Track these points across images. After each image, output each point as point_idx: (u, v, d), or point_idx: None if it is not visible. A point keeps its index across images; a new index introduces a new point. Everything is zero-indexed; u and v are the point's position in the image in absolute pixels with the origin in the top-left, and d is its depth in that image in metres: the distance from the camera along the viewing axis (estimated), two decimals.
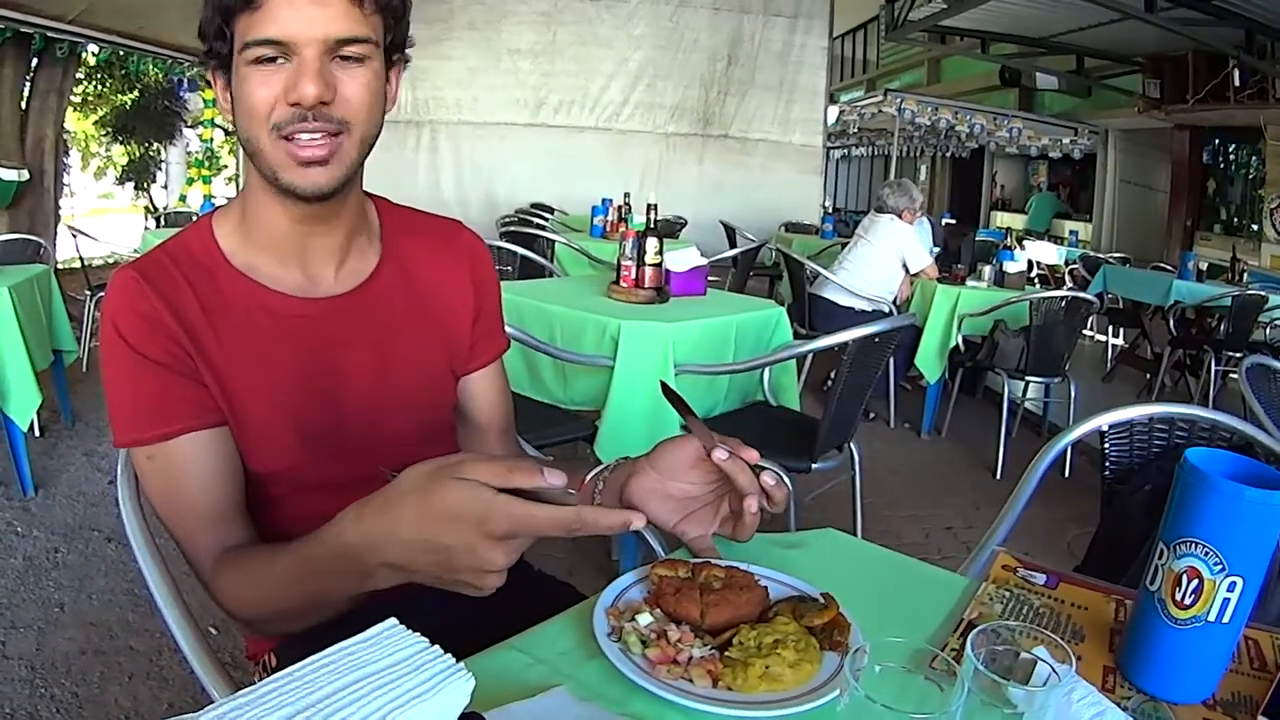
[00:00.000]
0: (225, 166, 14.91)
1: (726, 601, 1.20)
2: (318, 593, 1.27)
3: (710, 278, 4.75)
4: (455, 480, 1.08)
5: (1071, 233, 16.67)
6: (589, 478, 1.44)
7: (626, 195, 8.27)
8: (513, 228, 8.25)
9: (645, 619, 1.18)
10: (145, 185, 18.46)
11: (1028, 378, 6.16)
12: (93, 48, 10.16)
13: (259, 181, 1.43)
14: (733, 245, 9.84)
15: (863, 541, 1.64)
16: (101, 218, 18.96)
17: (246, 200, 1.51)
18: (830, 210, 13.07)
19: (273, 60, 1.31)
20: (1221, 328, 7.68)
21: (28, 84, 9.89)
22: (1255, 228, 13.96)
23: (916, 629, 1.28)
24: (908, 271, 6.85)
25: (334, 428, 1.54)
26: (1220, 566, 1.10)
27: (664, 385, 1.47)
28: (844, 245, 7.72)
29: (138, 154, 17.91)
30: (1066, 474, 5.31)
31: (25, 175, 9.48)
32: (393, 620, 1.01)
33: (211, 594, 1.42)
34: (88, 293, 7.41)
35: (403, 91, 1.53)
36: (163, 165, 18.89)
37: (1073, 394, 6.20)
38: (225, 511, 1.45)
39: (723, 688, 1.08)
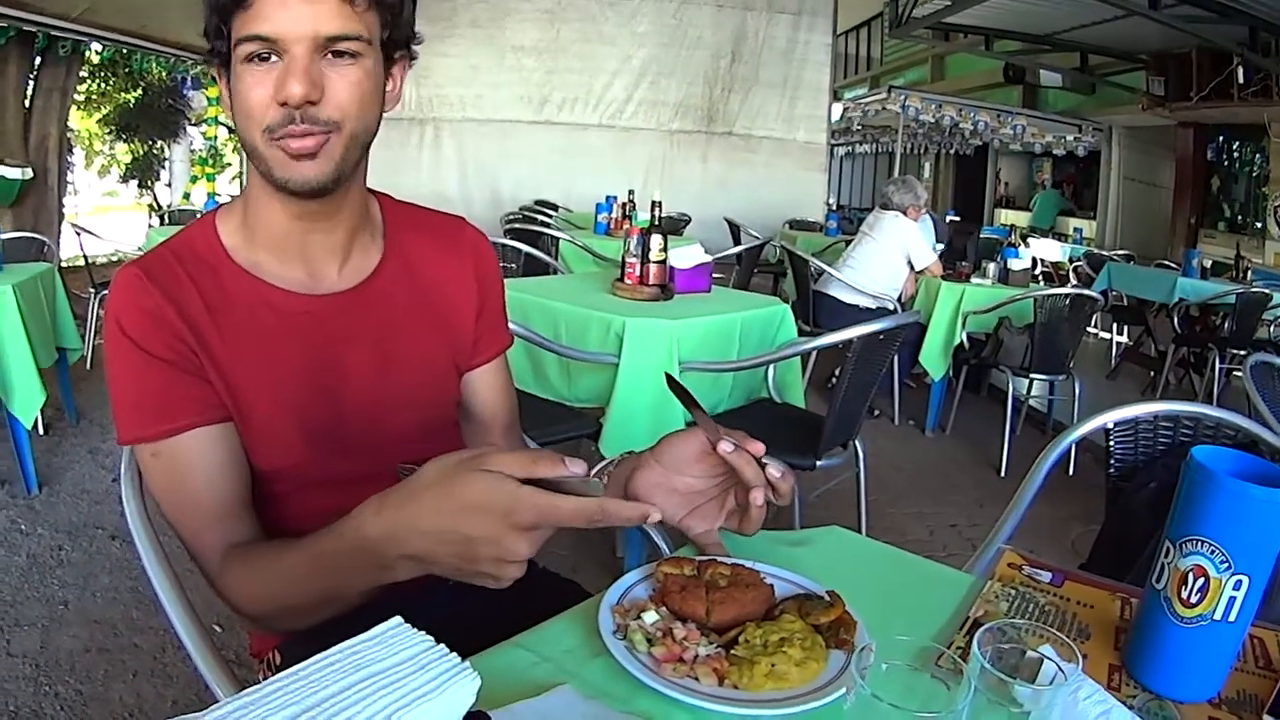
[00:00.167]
0: (229, 164, 14.87)
1: (732, 599, 1.19)
2: (332, 587, 1.27)
3: (714, 275, 4.75)
4: (479, 472, 1.09)
5: (1076, 230, 16.66)
6: (593, 473, 1.44)
7: (631, 192, 8.28)
8: (517, 225, 8.25)
9: (651, 617, 1.17)
10: (149, 183, 18.45)
11: (1032, 375, 6.15)
12: (96, 46, 10.16)
13: (259, 179, 1.43)
14: (737, 242, 9.83)
15: (868, 539, 1.63)
16: (105, 216, 18.96)
17: (249, 198, 1.51)
18: (834, 207, 13.04)
19: (265, 58, 1.32)
20: (1225, 325, 7.68)
21: (31, 82, 9.90)
22: (1259, 225, 13.94)
23: (922, 627, 1.28)
24: (912, 268, 6.85)
25: (337, 424, 1.54)
26: (1226, 565, 1.10)
27: (669, 378, 1.46)
28: (848, 242, 7.73)
29: (141, 152, 17.89)
30: (1071, 472, 5.31)
31: (29, 174, 9.49)
32: (398, 619, 1.01)
33: (218, 591, 1.42)
34: (92, 290, 7.42)
35: (406, 89, 1.53)
36: (166, 163, 18.88)
37: (1077, 391, 6.20)
38: (231, 508, 1.45)
39: (728, 686, 1.08)
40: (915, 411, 6.94)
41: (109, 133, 17.79)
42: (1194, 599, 1.12)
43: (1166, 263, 10.63)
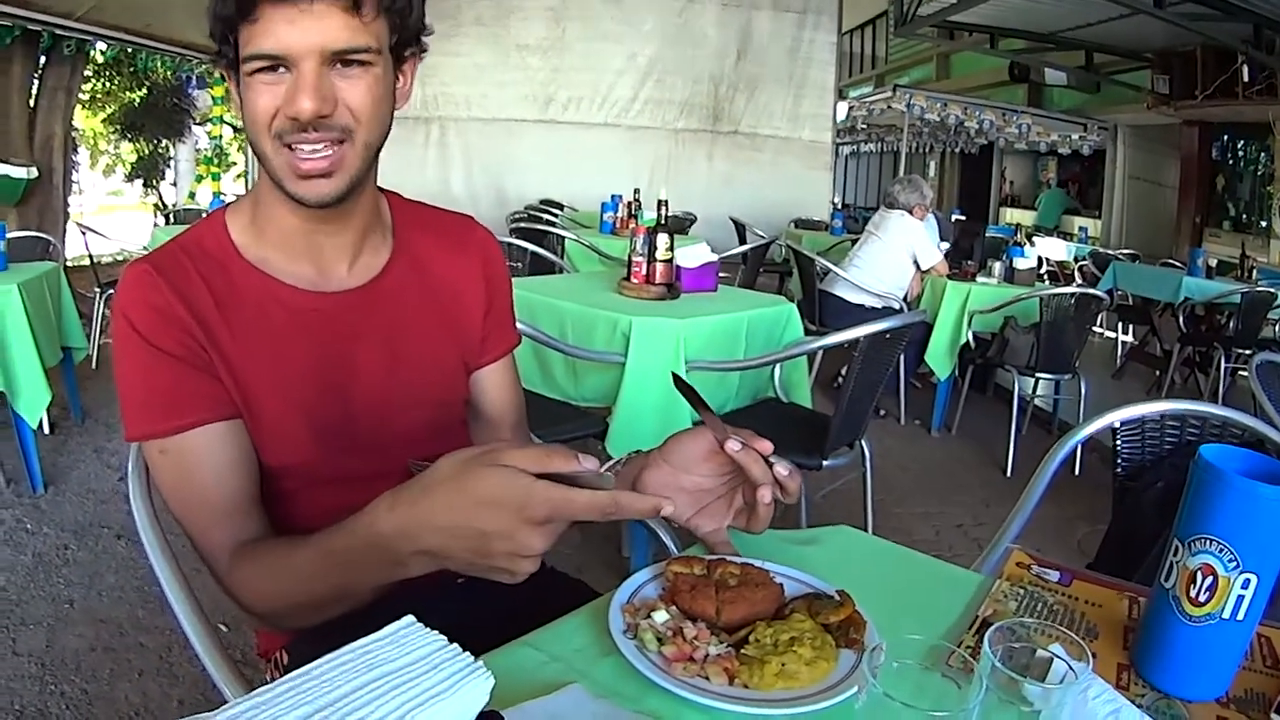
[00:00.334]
0: (234, 163, 14.91)
1: (742, 598, 1.20)
2: (344, 584, 1.28)
3: (720, 274, 4.75)
4: (493, 467, 1.10)
5: (1081, 229, 16.68)
6: (601, 471, 1.45)
7: (636, 191, 8.26)
8: (523, 224, 8.26)
9: (661, 616, 1.18)
10: (154, 182, 18.49)
11: (1038, 374, 6.14)
12: (101, 45, 10.16)
13: (269, 181, 1.43)
14: (742, 241, 9.82)
15: (877, 538, 1.64)
16: (110, 215, 19.01)
17: (259, 196, 1.52)
18: (840, 206, 13.04)
19: (274, 70, 1.31)
20: (1231, 325, 7.67)
21: (36, 82, 9.91)
22: (1264, 224, 13.93)
23: (932, 626, 1.28)
24: (918, 268, 6.85)
25: (346, 422, 1.54)
26: (1235, 563, 1.10)
27: (676, 377, 1.47)
28: (854, 241, 7.73)
29: (146, 151, 17.94)
30: (1077, 471, 5.30)
31: (34, 173, 9.51)
32: (410, 618, 1.01)
33: (226, 589, 1.42)
34: (97, 290, 7.45)
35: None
36: (171, 162, 18.92)
37: (1083, 391, 6.19)
38: (240, 505, 1.45)
39: (739, 685, 1.08)
40: (921, 411, 6.94)
41: (114, 132, 17.84)
42: (1202, 598, 1.12)
43: (1172, 262, 10.60)
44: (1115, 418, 2.29)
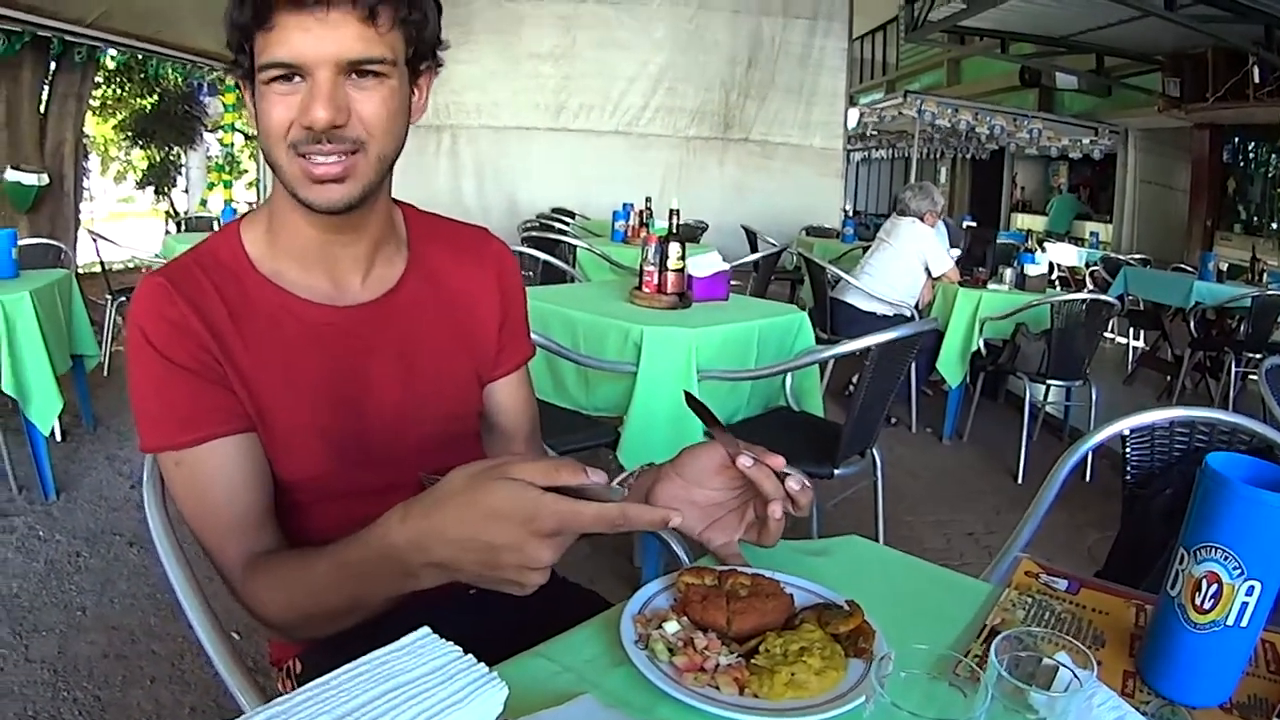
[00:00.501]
0: (246, 171, 14.88)
1: (753, 609, 1.21)
2: (357, 595, 1.29)
3: (732, 282, 4.76)
4: (503, 480, 1.11)
5: (1092, 234, 16.61)
6: (614, 483, 1.46)
7: (648, 200, 8.29)
8: (534, 233, 8.27)
9: (672, 626, 1.19)
10: (165, 189, 18.49)
11: (1049, 381, 6.14)
12: (111, 51, 10.17)
13: (284, 191, 1.44)
14: (754, 249, 9.80)
15: (887, 548, 1.65)
16: (121, 222, 19.01)
17: (273, 208, 1.53)
18: (851, 213, 13.03)
19: (289, 79, 1.32)
20: (1241, 329, 7.66)
21: (46, 88, 9.92)
22: (1275, 226, 13.91)
23: (940, 635, 1.29)
24: (930, 275, 6.85)
25: (360, 435, 1.55)
26: (1239, 571, 1.11)
27: (688, 395, 1.47)
28: (865, 249, 7.73)
29: (157, 158, 17.93)
30: (1087, 478, 5.30)
31: (45, 180, 9.50)
32: (426, 629, 1.03)
33: (240, 599, 1.44)
34: (108, 297, 7.47)
35: None
36: (183, 170, 18.91)
37: (1094, 397, 6.19)
38: (255, 517, 1.46)
39: (749, 695, 1.09)
40: (932, 419, 6.93)
41: (125, 139, 17.82)
42: (1207, 605, 1.13)
43: (1183, 266, 10.58)
44: (1124, 425, 2.30)
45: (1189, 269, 9.91)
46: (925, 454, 6.47)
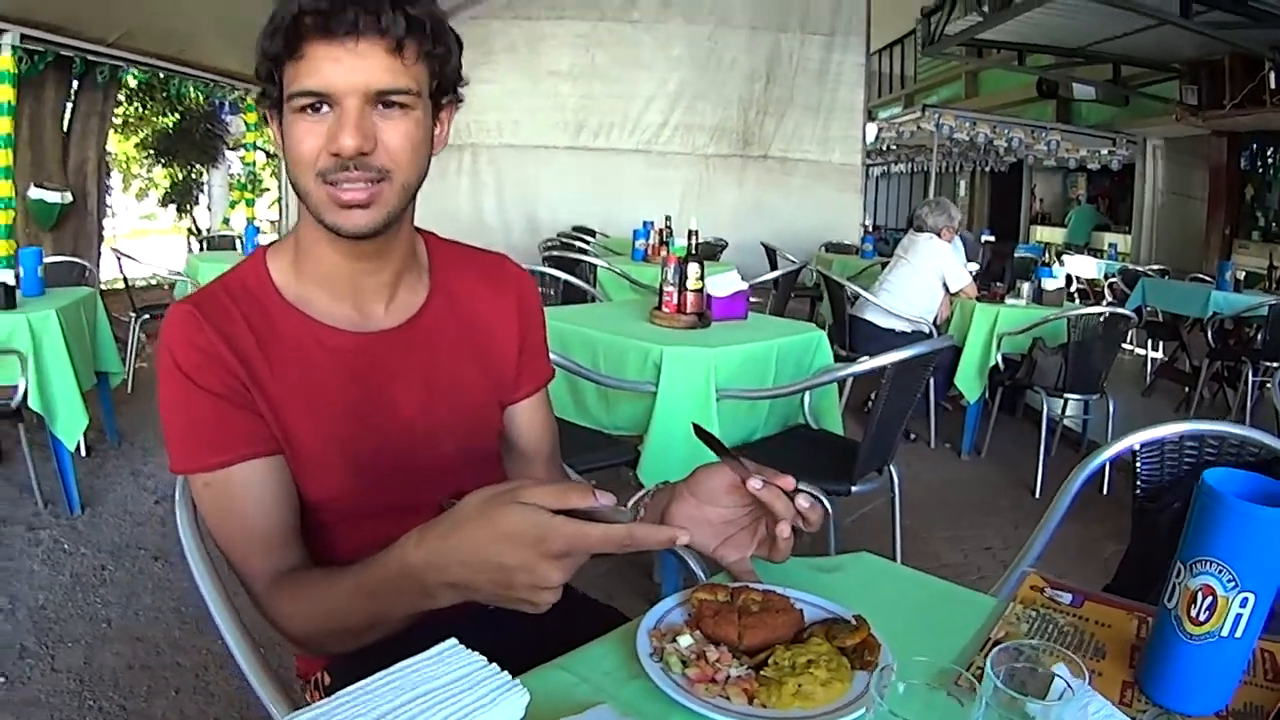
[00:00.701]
0: (268, 189, 14.94)
1: (763, 624, 1.25)
2: (378, 612, 1.34)
3: (751, 299, 4.79)
4: (514, 504, 1.16)
5: (1111, 245, 16.53)
6: (630, 503, 1.48)
7: (668, 218, 8.31)
8: (555, 252, 8.30)
9: (686, 640, 1.23)
10: (188, 207, 18.61)
11: (1066, 395, 6.14)
12: (134, 70, 10.23)
13: (310, 219, 1.48)
14: (773, 267, 9.78)
15: (896, 564, 1.68)
16: (144, 239, 19.17)
17: (300, 237, 1.57)
18: (870, 229, 13.01)
19: (318, 109, 1.37)
20: (1259, 338, 7.64)
21: (69, 107, 9.99)
22: None
23: (945, 649, 1.32)
24: (948, 290, 6.87)
25: (383, 457, 1.59)
26: (1234, 583, 1.14)
27: (696, 427, 1.49)
28: (884, 264, 7.73)
29: (180, 176, 18.04)
30: (1104, 491, 5.30)
31: (68, 197, 9.55)
32: (453, 640, 1.10)
33: (265, 614, 1.49)
34: (132, 314, 7.55)
35: None
36: (205, 187, 19.03)
37: (1111, 410, 6.17)
38: (280, 536, 1.51)
39: (758, 705, 1.13)
40: (951, 434, 6.92)
41: (147, 156, 17.94)
42: (1202, 617, 1.16)
43: (1201, 276, 10.51)
44: (1134, 440, 2.32)
45: (1207, 279, 9.86)
46: (943, 469, 6.46)
